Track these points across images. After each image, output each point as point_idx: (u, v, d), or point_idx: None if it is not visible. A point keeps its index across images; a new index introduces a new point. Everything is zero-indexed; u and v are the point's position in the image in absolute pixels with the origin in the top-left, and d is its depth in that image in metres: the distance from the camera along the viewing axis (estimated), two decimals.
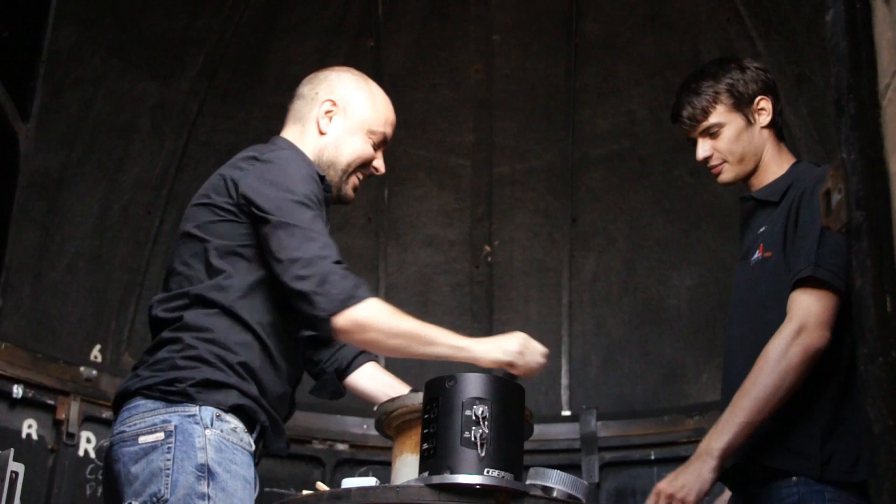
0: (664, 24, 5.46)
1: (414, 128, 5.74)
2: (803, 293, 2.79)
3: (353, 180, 3.05)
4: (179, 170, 5.36)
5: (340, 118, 3.03)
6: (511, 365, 2.74)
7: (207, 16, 5.35)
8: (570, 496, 2.54)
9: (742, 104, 3.13)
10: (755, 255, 3.02)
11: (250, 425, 2.69)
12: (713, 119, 3.13)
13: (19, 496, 4.44)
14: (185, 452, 2.54)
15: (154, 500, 2.51)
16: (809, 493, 2.75)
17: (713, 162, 3.16)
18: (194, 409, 2.59)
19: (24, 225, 4.65)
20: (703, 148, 3.17)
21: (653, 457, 5.12)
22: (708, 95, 3.14)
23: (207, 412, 2.60)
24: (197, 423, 2.58)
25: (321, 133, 3.02)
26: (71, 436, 4.76)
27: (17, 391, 4.61)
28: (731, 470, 2.99)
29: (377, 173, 3.11)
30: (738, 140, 3.13)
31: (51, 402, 4.75)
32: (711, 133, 3.14)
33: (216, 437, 2.57)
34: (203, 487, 2.52)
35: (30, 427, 4.67)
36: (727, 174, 3.16)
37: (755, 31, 5.08)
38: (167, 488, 2.51)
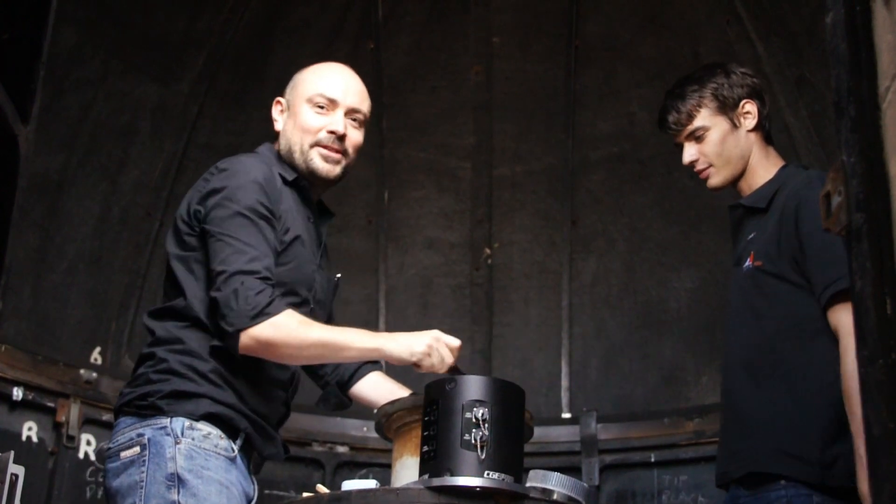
0: (664, 26, 5.47)
1: (414, 130, 5.74)
2: (847, 306, 2.70)
3: (318, 151, 3.01)
4: (179, 172, 5.36)
5: (286, 110, 3.11)
6: (416, 365, 2.76)
7: (208, 18, 5.35)
8: (570, 499, 2.54)
9: (727, 108, 3.17)
10: (746, 263, 3.05)
11: (231, 432, 2.70)
12: (698, 122, 3.17)
13: (19, 498, 4.44)
14: (157, 464, 2.60)
15: None
16: (798, 497, 2.76)
17: (699, 166, 3.19)
18: (165, 420, 2.65)
19: (23, 227, 4.65)
20: (689, 152, 3.21)
21: (653, 459, 5.12)
22: (692, 100, 3.19)
23: (178, 423, 2.65)
24: (168, 435, 2.63)
25: (277, 131, 3.11)
26: (71, 438, 4.76)
27: (17, 393, 4.60)
28: (720, 479, 3.03)
29: (338, 135, 3.02)
30: (723, 143, 3.16)
31: (51, 404, 4.75)
32: (697, 137, 3.18)
33: (187, 445, 2.63)
34: (173, 495, 2.57)
35: (30, 429, 4.67)
36: (715, 178, 3.19)
37: (755, 34, 5.08)
38: (141, 500, 2.58)
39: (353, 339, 2.75)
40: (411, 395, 2.81)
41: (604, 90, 5.66)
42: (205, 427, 2.66)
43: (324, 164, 3.02)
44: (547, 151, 5.76)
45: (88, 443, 4.84)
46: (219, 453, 2.66)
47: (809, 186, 2.94)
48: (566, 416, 5.45)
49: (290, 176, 2.96)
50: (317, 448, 5.36)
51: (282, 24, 5.59)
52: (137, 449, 2.64)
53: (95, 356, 5.05)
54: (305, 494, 2.68)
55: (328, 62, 3.26)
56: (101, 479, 4.82)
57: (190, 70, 5.37)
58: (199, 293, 2.76)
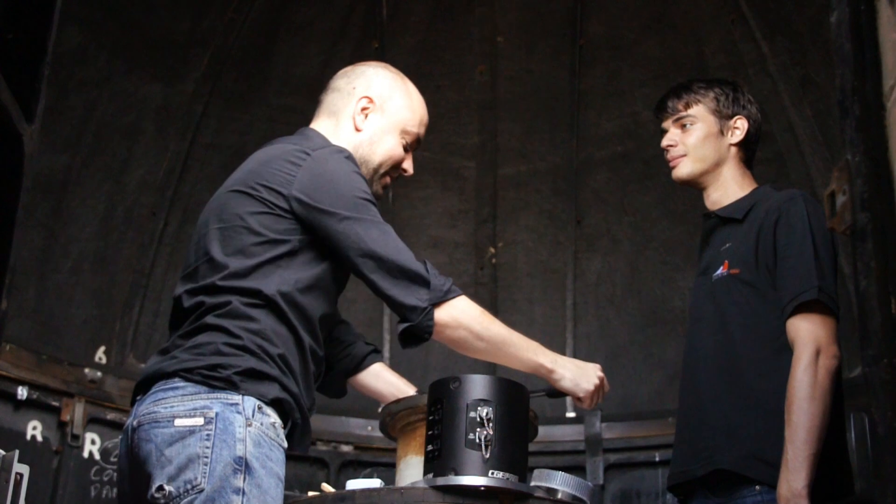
0: (669, 26, 5.46)
1: None
2: (807, 318, 2.87)
3: (385, 180, 3.01)
4: (184, 171, 5.37)
5: (377, 116, 3.00)
6: (580, 399, 2.80)
7: (212, 18, 5.35)
8: (574, 498, 2.54)
9: (721, 115, 3.28)
10: (719, 271, 3.12)
11: (285, 421, 2.63)
12: (691, 112, 3.28)
13: (24, 498, 4.44)
14: (224, 441, 2.45)
15: (189, 486, 2.42)
16: (773, 502, 2.77)
17: (675, 152, 3.28)
18: (237, 398, 2.50)
19: (28, 227, 4.66)
20: (671, 136, 3.31)
21: (657, 458, 5.12)
22: (695, 93, 3.30)
23: (250, 403, 2.51)
24: (238, 413, 2.49)
25: (357, 130, 2.97)
26: (76, 437, 4.77)
27: (22, 393, 4.61)
28: (677, 478, 3.05)
29: (406, 174, 3.06)
30: (705, 140, 3.25)
31: (55, 403, 4.76)
32: (683, 125, 3.25)
33: (256, 430, 2.49)
34: (239, 482, 2.43)
35: (34, 429, 4.68)
36: (683, 168, 3.26)
37: (759, 33, 5.08)
38: (204, 477, 2.42)
39: (525, 350, 2.75)
40: (416, 394, 2.80)
41: (608, 90, 5.66)
42: (272, 414, 2.54)
43: (381, 191, 3.02)
44: (551, 151, 5.76)
45: (93, 442, 4.84)
46: (279, 444, 2.57)
47: (791, 201, 3.01)
48: (570, 415, 5.45)
49: None
50: (321, 447, 5.37)
51: (286, 24, 5.59)
52: (200, 420, 2.47)
53: (100, 355, 5.06)
54: (310, 493, 2.67)
55: (417, 90, 3.14)
56: (105, 466, 4.83)
57: (194, 70, 5.38)
58: (290, 277, 2.66)
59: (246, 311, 2.62)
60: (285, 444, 2.60)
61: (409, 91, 3.09)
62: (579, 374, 2.79)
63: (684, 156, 3.25)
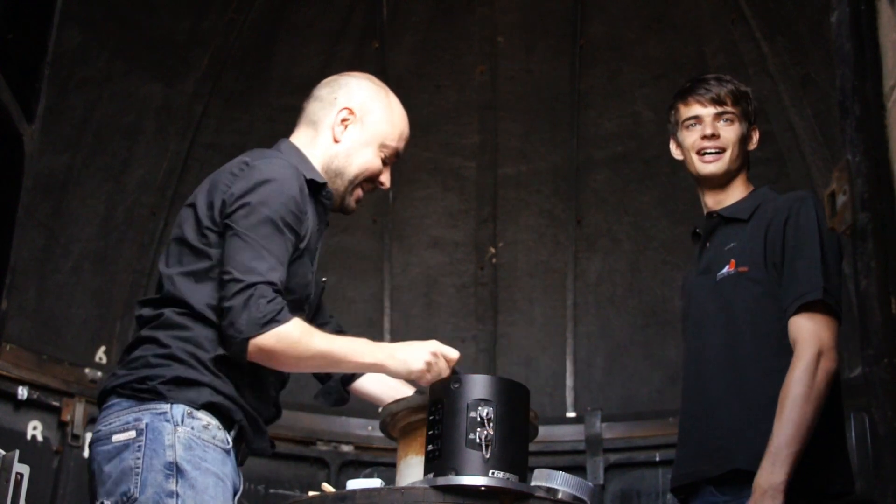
0: (669, 26, 5.46)
1: (419, 129, 5.70)
2: (810, 318, 2.87)
3: (358, 192, 3.01)
4: (184, 171, 5.37)
5: (356, 128, 2.99)
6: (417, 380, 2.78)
7: (212, 18, 5.36)
8: (575, 498, 2.54)
9: (748, 120, 3.25)
10: (724, 270, 3.10)
11: (227, 423, 2.67)
12: (735, 109, 3.21)
13: (24, 498, 4.44)
14: (154, 451, 2.54)
15: (124, 498, 2.51)
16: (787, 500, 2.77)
17: (718, 143, 3.19)
18: (165, 406, 2.59)
19: (28, 227, 4.66)
20: (717, 126, 3.20)
21: (657, 458, 5.12)
22: (739, 92, 3.23)
23: (178, 410, 2.59)
24: (167, 421, 2.57)
25: (335, 140, 2.98)
26: (76, 437, 4.77)
27: (22, 393, 4.61)
28: (684, 479, 3.05)
29: (382, 188, 3.07)
30: (740, 142, 3.22)
31: (56, 403, 4.76)
32: (726, 119, 3.19)
33: (186, 434, 2.57)
34: (171, 485, 2.51)
35: (35, 428, 4.68)
36: (719, 164, 3.21)
37: (760, 33, 5.08)
38: (136, 487, 2.51)
39: (354, 353, 2.72)
40: (416, 393, 2.80)
41: (608, 90, 5.66)
42: (204, 417, 2.61)
43: (354, 204, 3.03)
44: (552, 151, 5.76)
45: None
46: (216, 445, 2.62)
47: (802, 202, 3.02)
48: (571, 415, 5.45)
49: (321, 180, 2.92)
50: (321, 447, 5.37)
51: (286, 24, 5.60)
52: (133, 433, 2.57)
53: (100, 355, 5.06)
54: (311, 493, 2.68)
55: (399, 103, 3.10)
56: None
57: (194, 70, 5.38)
58: (213, 292, 2.72)
59: (178, 320, 2.71)
60: (227, 445, 2.66)
61: (391, 104, 3.08)
62: (407, 358, 2.72)
63: (724, 151, 3.19)
